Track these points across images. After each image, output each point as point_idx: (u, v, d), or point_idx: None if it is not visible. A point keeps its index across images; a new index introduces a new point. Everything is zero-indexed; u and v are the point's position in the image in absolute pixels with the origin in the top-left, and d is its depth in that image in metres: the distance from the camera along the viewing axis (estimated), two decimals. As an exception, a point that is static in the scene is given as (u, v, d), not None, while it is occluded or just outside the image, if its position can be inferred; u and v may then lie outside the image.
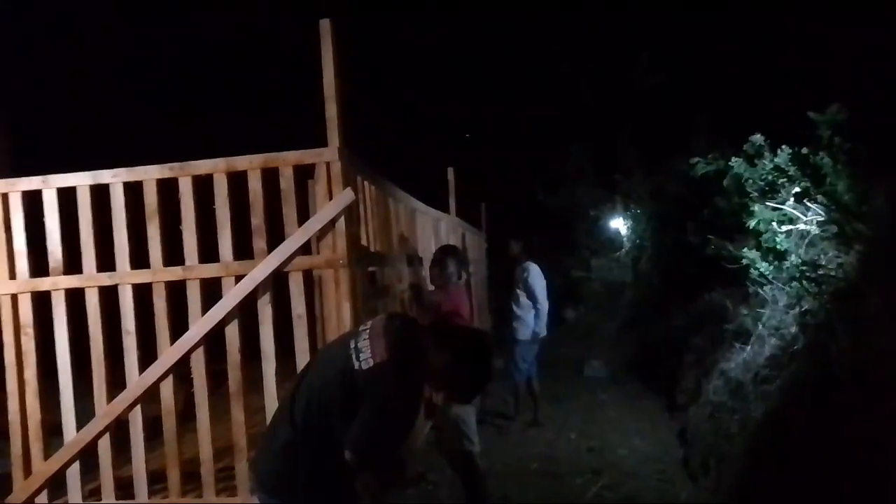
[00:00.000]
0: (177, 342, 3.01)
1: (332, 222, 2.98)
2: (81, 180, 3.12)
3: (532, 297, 6.14)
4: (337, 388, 2.07)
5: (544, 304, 6.18)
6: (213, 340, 3.08)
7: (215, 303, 3.02)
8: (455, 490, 4.41)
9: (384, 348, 2.07)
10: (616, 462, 5.21)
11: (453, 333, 2.39)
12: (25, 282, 3.15)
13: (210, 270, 3.05)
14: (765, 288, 4.82)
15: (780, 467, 3.61)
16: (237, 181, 3.07)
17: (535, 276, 6.20)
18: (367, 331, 2.16)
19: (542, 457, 5.43)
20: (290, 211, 3.02)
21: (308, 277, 3.25)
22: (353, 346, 2.12)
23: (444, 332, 2.34)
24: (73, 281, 3.12)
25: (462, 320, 3.72)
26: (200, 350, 3.03)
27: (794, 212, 4.50)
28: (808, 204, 4.41)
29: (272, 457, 2.15)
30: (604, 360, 9.12)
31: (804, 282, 4.29)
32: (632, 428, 6.15)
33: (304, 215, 3.07)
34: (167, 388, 3.06)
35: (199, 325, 3.00)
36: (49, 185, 3.14)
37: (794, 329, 4.30)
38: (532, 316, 6.17)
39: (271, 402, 2.99)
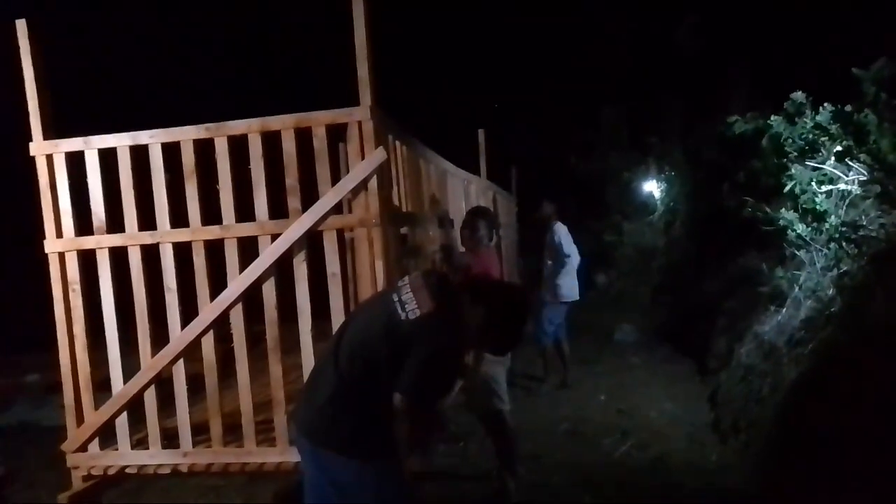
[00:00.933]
0: (216, 299, 3.10)
1: (365, 182, 3.00)
2: (121, 141, 3.19)
3: (559, 255, 6.13)
4: (383, 339, 2.14)
5: (574, 260, 6.16)
6: (250, 302, 3.16)
7: (252, 261, 3.09)
8: (485, 448, 4.50)
9: (429, 299, 2.14)
10: (645, 424, 5.24)
11: (490, 287, 2.44)
12: (71, 240, 3.27)
13: (246, 229, 3.11)
14: (802, 250, 4.73)
15: (812, 431, 3.59)
16: (271, 141, 3.11)
17: (563, 234, 6.19)
18: (408, 285, 2.23)
19: (571, 417, 5.50)
20: (323, 170, 3.05)
21: (340, 237, 3.30)
22: (396, 299, 2.19)
23: (481, 286, 2.38)
24: (116, 239, 3.22)
25: None
26: (239, 307, 3.11)
27: (835, 171, 4.38)
28: (850, 163, 4.29)
29: (317, 408, 2.22)
30: (635, 325, 9.10)
31: (843, 243, 4.20)
32: (662, 391, 6.16)
33: (335, 177, 3.10)
34: (208, 344, 3.16)
35: (237, 283, 3.08)
36: (90, 146, 3.22)
37: (831, 291, 4.23)
38: (559, 279, 6.17)
39: (308, 358, 3.07)
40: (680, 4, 10.78)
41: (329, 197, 3.02)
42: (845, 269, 4.17)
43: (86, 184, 3.26)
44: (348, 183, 3.01)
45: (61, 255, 3.27)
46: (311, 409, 2.27)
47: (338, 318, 3.05)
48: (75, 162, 3.28)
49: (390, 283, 2.94)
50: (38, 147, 3.26)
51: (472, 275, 3.81)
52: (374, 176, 2.99)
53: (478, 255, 4.01)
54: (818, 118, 4.43)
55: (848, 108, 4.27)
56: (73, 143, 3.24)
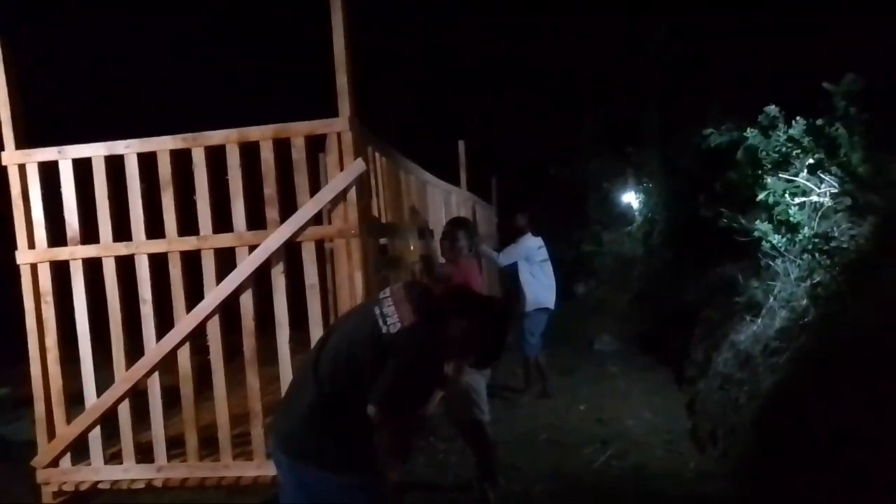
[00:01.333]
0: (193, 310, 3.07)
1: (344, 192, 3.00)
2: (96, 151, 3.15)
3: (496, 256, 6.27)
4: (366, 351, 2.14)
5: (496, 258, 6.30)
6: (227, 313, 3.13)
7: (229, 272, 3.06)
8: (465, 458, 4.49)
9: (410, 312, 2.15)
10: (624, 432, 5.27)
11: (472, 300, 2.45)
12: (44, 251, 3.21)
13: (224, 240, 3.08)
14: (776, 261, 4.80)
15: (788, 438, 3.64)
16: (250, 152, 3.10)
17: (520, 244, 6.24)
18: (389, 297, 2.23)
19: (551, 427, 5.51)
20: (301, 181, 3.04)
21: (319, 248, 3.29)
22: (378, 312, 2.19)
23: (463, 299, 2.39)
24: (90, 250, 3.17)
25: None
26: (216, 318, 3.08)
27: (808, 184, 4.47)
28: (822, 176, 4.38)
29: (297, 420, 2.20)
30: (614, 334, 9.16)
31: (816, 254, 4.28)
32: (641, 400, 6.20)
33: (314, 188, 3.10)
34: (184, 356, 3.12)
35: (214, 294, 3.05)
36: (65, 156, 3.18)
37: (805, 301, 4.30)
38: (538, 288, 6.20)
39: (286, 370, 3.04)
40: (656, 13, 10.95)
41: (308, 208, 3.01)
42: (818, 279, 4.24)
43: (59, 194, 3.21)
44: (327, 194, 3.00)
45: (33, 266, 3.21)
46: (290, 420, 2.25)
47: (316, 329, 3.04)
48: (49, 172, 3.24)
49: (370, 295, 2.94)
50: (10, 156, 3.21)
51: (452, 286, 3.82)
52: (354, 187, 2.99)
53: (458, 265, 4.02)
54: (791, 131, 4.52)
55: (820, 121, 4.36)
56: (47, 153, 3.20)
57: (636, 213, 12.20)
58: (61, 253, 3.20)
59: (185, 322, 3.07)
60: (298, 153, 3.03)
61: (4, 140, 3.20)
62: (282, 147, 3.05)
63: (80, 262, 3.18)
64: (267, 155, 3.04)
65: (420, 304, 2.19)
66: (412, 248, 4.31)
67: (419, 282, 3.46)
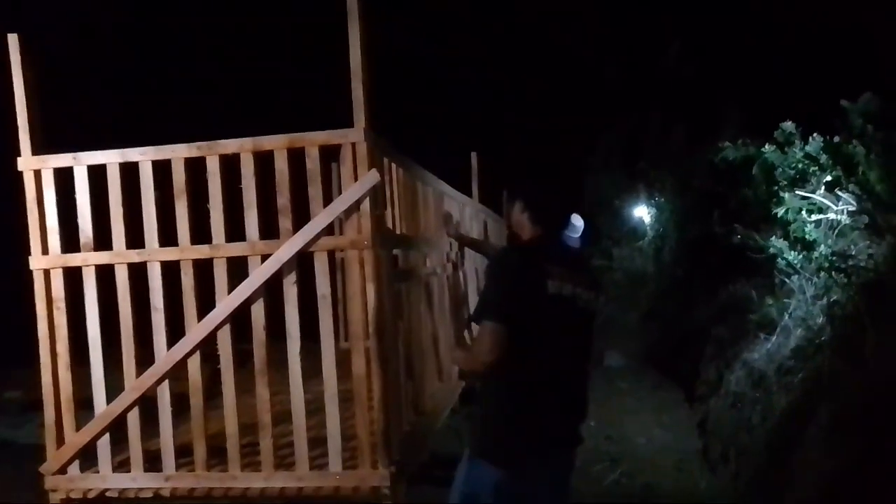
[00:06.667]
0: (204, 319, 3.05)
1: (358, 203, 2.98)
2: (111, 158, 3.16)
3: None
4: (589, 332, 2.52)
5: None
6: (237, 321, 3.12)
7: (241, 281, 3.05)
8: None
9: (584, 276, 2.43)
10: (634, 451, 5.21)
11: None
12: (57, 257, 3.21)
13: (236, 249, 3.07)
14: (792, 278, 4.75)
15: (802, 460, 3.57)
16: (264, 161, 3.09)
17: None
18: (566, 283, 2.36)
19: (560, 443, 5.44)
20: (315, 191, 3.03)
21: (330, 259, 3.27)
22: (570, 294, 2.34)
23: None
24: (103, 257, 3.17)
25: None
26: (227, 327, 3.07)
27: (825, 201, 4.43)
28: (839, 193, 4.34)
29: (575, 420, 2.50)
30: (624, 350, 9.09)
31: (833, 272, 4.22)
32: (651, 418, 6.14)
33: (327, 198, 3.09)
34: (194, 365, 3.11)
35: (226, 303, 3.04)
36: (79, 163, 3.18)
37: (821, 320, 4.24)
38: None
39: (295, 381, 3.02)
40: (669, 31, 10.96)
41: (321, 218, 3.00)
42: (835, 298, 4.18)
43: (73, 200, 3.22)
44: (340, 204, 2.99)
45: (46, 272, 3.21)
46: (571, 422, 2.45)
47: (327, 340, 3.02)
48: (63, 178, 3.25)
49: (382, 307, 2.92)
50: (27, 162, 3.22)
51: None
52: (367, 198, 2.97)
53: None
54: (808, 148, 4.49)
55: (837, 139, 4.33)
56: (62, 159, 3.20)
57: (647, 229, 12.13)
58: (74, 259, 3.20)
59: (195, 331, 3.06)
60: (313, 163, 3.02)
61: (21, 146, 3.21)
62: (296, 157, 3.04)
63: (92, 269, 3.18)
64: (281, 164, 3.03)
65: (580, 261, 2.48)
66: (426, 259, 4.28)
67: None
